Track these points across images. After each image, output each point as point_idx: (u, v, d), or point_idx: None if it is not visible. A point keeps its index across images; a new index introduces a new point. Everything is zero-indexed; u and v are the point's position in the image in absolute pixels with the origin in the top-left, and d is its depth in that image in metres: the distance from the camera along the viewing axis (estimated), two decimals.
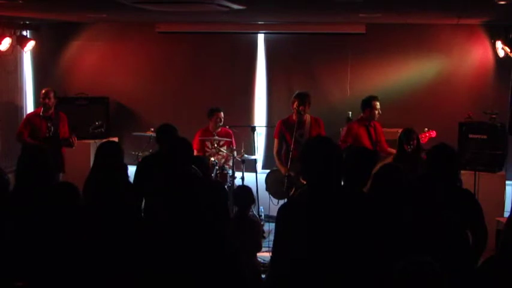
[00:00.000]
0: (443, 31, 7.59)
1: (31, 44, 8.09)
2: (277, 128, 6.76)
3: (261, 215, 7.40)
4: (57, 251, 3.01)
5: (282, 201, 6.42)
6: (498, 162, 6.71)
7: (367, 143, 6.48)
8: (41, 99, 6.91)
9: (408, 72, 7.73)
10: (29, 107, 8.61)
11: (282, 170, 6.60)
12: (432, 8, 5.76)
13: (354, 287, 2.88)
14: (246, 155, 7.08)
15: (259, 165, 7.76)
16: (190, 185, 2.90)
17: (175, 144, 4.59)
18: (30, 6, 6.18)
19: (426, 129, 6.56)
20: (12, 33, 7.93)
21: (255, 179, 7.16)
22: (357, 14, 6.31)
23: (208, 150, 7.07)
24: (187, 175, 3.39)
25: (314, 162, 2.97)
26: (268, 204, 7.09)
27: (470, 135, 6.75)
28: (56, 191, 3.29)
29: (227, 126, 7.29)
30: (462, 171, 5.64)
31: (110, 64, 8.50)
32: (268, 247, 5.19)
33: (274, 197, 6.88)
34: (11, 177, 3.89)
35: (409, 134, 5.88)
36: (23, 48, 8.10)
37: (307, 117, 6.63)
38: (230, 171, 6.96)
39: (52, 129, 6.81)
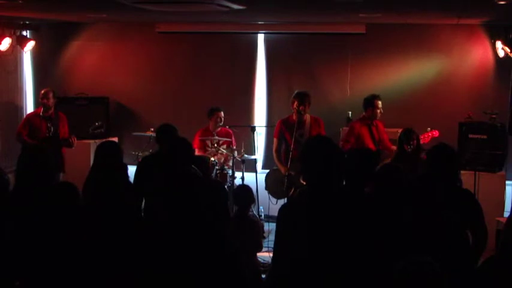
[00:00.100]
0: (443, 31, 7.58)
1: (31, 44, 8.09)
2: (277, 128, 6.77)
3: (261, 215, 7.38)
4: (57, 251, 3.01)
5: (281, 201, 6.44)
6: (498, 162, 6.71)
7: (369, 142, 6.45)
8: (40, 100, 6.94)
9: (408, 72, 7.72)
10: (29, 107, 8.61)
11: (282, 168, 6.60)
12: (432, 8, 5.76)
13: (354, 287, 2.88)
14: (246, 155, 7.07)
15: (259, 165, 7.75)
16: (190, 185, 2.90)
17: (175, 144, 4.60)
18: (30, 6, 6.18)
19: (429, 128, 6.52)
20: (12, 33, 7.93)
21: (255, 179, 7.16)
22: (357, 14, 6.31)
23: (208, 149, 7.07)
24: (187, 175, 3.40)
25: (314, 162, 2.97)
26: (268, 204, 7.10)
27: (470, 135, 6.75)
28: (55, 191, 3.29)
29: (227, 126, 7.29)
30: (462, 171, 5.62)
31: (110, 64, 8.49)
32: (268, 247, 5.18)
33: (273, 196, 6.88)
34: (11, 177, 3.89)
35: (409, 134, 5.87)
36: (23, 48, 8.10)
37: (307, 117, 6.63)
38: (230, 171, 6.96)
39: (52, 129, 6.83)
